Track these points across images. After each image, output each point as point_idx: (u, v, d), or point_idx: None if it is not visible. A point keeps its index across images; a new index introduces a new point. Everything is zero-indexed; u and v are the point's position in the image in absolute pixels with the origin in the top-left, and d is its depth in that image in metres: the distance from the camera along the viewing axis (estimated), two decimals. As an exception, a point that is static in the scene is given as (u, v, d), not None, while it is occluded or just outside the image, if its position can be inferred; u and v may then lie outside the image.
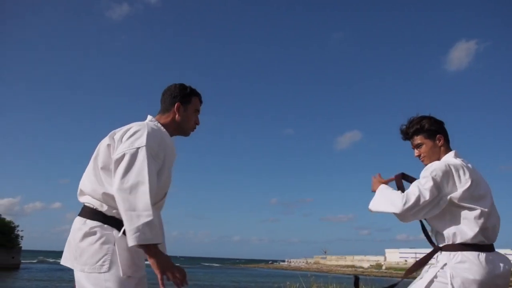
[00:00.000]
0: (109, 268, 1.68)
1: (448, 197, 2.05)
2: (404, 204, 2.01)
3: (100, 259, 1.69)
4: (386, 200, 2.14)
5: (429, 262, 2.21)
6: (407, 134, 2.36)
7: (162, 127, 1.97)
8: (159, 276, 1.65)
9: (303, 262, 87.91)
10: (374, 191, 2.29)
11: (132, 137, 1.77)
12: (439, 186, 2.04)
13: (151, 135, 1.79)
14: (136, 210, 1.61)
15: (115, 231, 1.74)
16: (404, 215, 2.04)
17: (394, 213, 2.06)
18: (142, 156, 1.70)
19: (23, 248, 49.31)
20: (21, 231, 47.92)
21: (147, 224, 1.60)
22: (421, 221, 2.26)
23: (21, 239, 47.78)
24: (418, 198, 2.01)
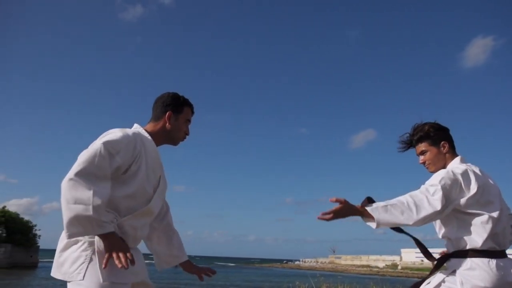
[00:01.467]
0: (85, 276, 1.66)
1: (454, 204, 2.00)
2: (418, 214, 1.91)
3: (78, 267, 1.68)
4: (394, 213, 1.96)
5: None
6: (411, 141, 2.31)
7: (146, 134, 1.94)
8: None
9: (318, 261, 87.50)
10: (359, 214, 1.97)
11: (101, 136, 1.78)
12: (448, 194, 1.97)
13: (120, 137, 1.77)
14: (69, 201, 1.59)
15: (97, 237, 1.71)
16: (413, 225, 1.96)
17: (406, 224, 1.95)
18: (94, 149, 1.67)
19: (41, 247, 50.17)
20: (39, 230, 48.75)
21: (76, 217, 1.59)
22: (415, 238, 2.19)
23: (39, 238, 48.70)
24: (430, 210, 1.93)
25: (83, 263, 1.69)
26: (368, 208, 1.92)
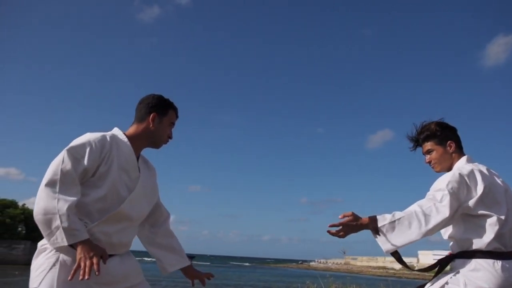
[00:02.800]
0: (41, 283, 1.65)
1: (463, 206, 1.95)
2: (427, 225, 1.88)
3: (38, 274, 1.69)
4: (403, 230, 1.92)
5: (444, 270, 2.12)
6: (418, 140, 2.28)
7: (122, 136, 1.92)
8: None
9: (333, 262, 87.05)
10: (367, 228, 1.97)
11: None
12: (457, 198, 1.93)
13: (85, 140, 1.77)
14: (39, 213, 1.62)
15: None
16: (425, 236, 1.91)
17: (417, 240, 1.91)
18: (59, 157, 1.70)
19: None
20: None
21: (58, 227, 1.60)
22: (398, 255, 2.09)
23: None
24: (439, 218, 1.88)
25: (43, 270, 1.68)
26: (379, 226, 1.92)
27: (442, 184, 1.97)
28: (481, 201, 1.94)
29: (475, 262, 1.93)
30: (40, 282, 1.66)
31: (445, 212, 1.88)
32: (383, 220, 1.93)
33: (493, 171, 2.10)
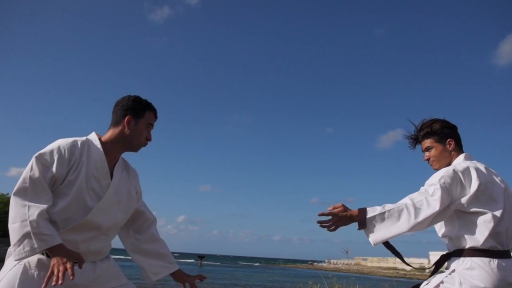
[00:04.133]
0: (0, 282, 1.65)
1: (456, 203, 1.94)
2: (416, 218, 1.86)
3: (2, 275, 1.69)
4: (392, 222, 1.90)
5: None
6: (417, 137, 2.29)
7: (96, 142, 1.88)
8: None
9: (344, 263, 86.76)
10: (358, 220, 1.94)
11: None
12: (448, 193, 1.92)
13: (55, 147, 1.75)
14: (10, 222, 1.62)
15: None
16: (414, 230, 1.89)
17: (405, 231, 1.88)
18: (28, 165, 1.69)
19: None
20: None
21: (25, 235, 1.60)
22: (391, 246, 2.07)
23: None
24: (429, 212, 1.86)
25: (6, 271, 1.69)
26: (368, 218, 1.91)
27: (435, 178, 1.97)
28: (476, 198, 1.93)
29: (470, 261, 1.91)
30: (0, 280, 1.67)
31: (435, 206, 1.87)
32: (372, 212, 1.92)
33: (492, 170, 2.08)
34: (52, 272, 1.57)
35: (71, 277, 1.57)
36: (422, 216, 1.86)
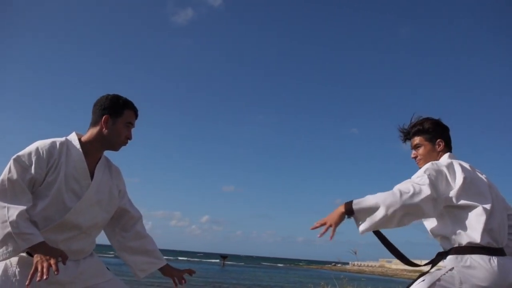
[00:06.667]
0: None
1: (444, 197, 1.93)
2: (401, 197, 1.82)
3: None
4: (375, 201, 1.87)
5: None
6: (408, 133, 2.28)
7: (75, 142, 1.89)
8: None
9: (368, 265, 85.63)
10: (345, 213, 1.92)
11: None
12: (435, 185, 1.90)
13: (33, 149, 1.77)
14: None
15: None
16: (402, 210, 1.83)
17: (395, 208, 1.82)
18: (7, 167, 1.71)
19: (97, 242, 52.63)
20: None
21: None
22: (383, 236, 2.06)
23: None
24: (422, 195, 1.84)
25: None
26: (354, 203, 1.89)
27: (421, 171, 1.97)
28: (464, 191, 1.92)
29: (470, 258, 1.87)
30: None
31: (426, 191, 1.85)
32: (358, 201, 1.89)
33: (477, 169, 2.08)
34: (36, 269, 1.58)
35: (55, 272, 1.58)
36: (409, 201, 1.82)
